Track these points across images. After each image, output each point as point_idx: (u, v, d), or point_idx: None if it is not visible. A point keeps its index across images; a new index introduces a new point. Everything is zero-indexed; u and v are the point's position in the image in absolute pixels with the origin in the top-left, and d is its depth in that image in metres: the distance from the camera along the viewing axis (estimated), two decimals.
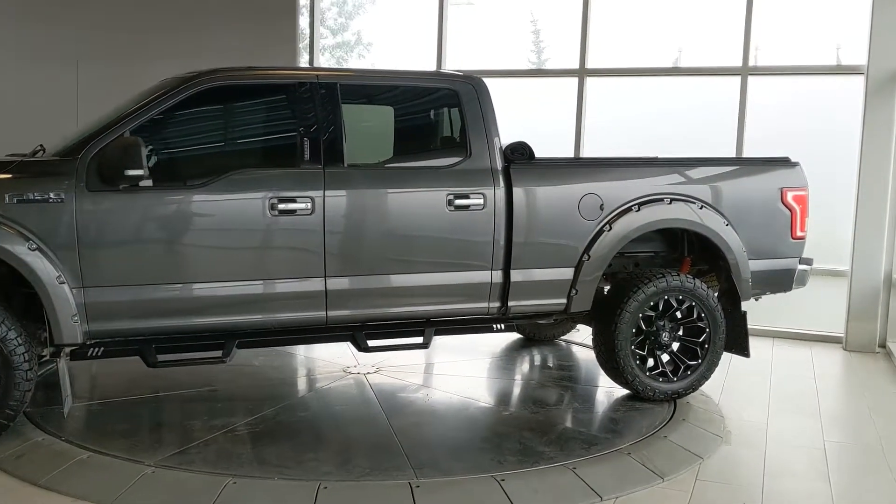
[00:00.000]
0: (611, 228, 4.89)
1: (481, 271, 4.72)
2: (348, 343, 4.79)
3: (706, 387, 5.27)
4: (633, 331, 4.97)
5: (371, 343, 4.66)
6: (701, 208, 5.03)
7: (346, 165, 4.50)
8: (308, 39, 8.56)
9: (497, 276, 4.75)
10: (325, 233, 4.38)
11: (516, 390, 5.41)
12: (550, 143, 7.87)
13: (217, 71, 4.42)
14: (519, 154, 4.86)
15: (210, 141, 4.59)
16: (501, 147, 4.82)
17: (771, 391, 5.55)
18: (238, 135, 4.66)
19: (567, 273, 4.87)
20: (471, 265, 4.70)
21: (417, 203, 4.60)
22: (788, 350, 6.85)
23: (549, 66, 8.43)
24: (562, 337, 6.72)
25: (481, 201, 4.67)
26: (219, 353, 4.41)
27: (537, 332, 6.59)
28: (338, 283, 4.43)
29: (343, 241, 4.46)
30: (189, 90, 4.32)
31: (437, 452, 4.11)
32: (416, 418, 4.64)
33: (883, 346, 6.96)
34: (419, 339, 4.75)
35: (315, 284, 4.40)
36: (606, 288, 5.26)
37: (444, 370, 5.81)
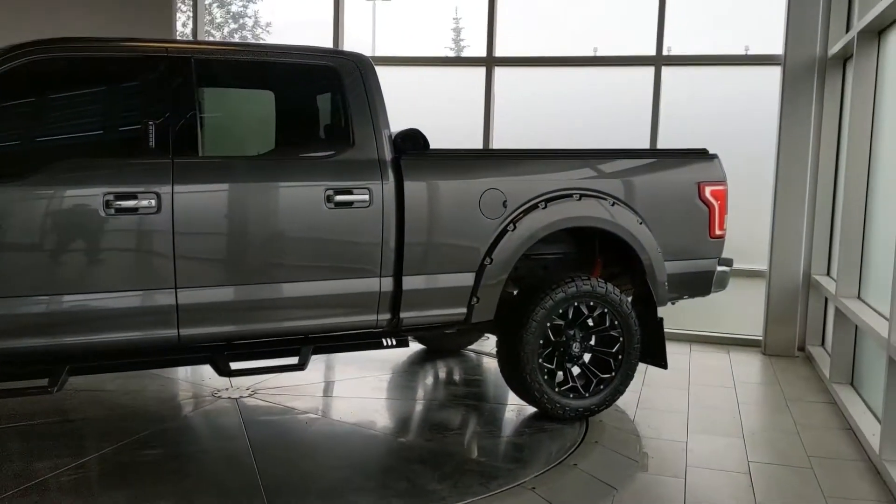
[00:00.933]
0: (515, 228, 4.34)
1: (368, 278, 4.09)
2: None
3: (621, 401, 4.78)
4: (541, 342, 4.43)
5: (235, 366, 3.96)
6: (613, 205, 4.54)
7: (201, 156, 3.80)
8: (192, 22, 7.75)
9: (386, 283, 4.12)
10: (175, 235, 3.66)
11: (414, 412, 4.80)
12: (462, 136, 7.34)
13: (41, 43, 3.65)
14: (411, 144, 4.25)
15: (31, 126, 3.79)
16: (391, 135, 4.20)
17: (690, 405, 5.11)
18: (66, 119, 3.88)
19: (467, 279, 4.29)
20: (355, 271, 4.06)
21: (289, 200, 3.94)
22: (706, 356, 6.47)
23: (466, 55, 7.87)
24: (469, 347, 6.15)
25: (366, 197, 4.04)
26: (44, 382, 3.64)
27: (441, 342, 6.00)
28: (191, 296, 3.72)
29: (197, 244, 3.75)
30: (6, 65, 3.55)
31: (305, 498, 3.45)
32: (289, 453, 3.97)
33: (802, 349, 6.67)
34: (294, 360, 4.09)
35: (163, 297, 3.68)
36: (512, 294, 4.72)
37: (334, 390, 5.15)
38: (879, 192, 5.17)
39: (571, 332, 4.51)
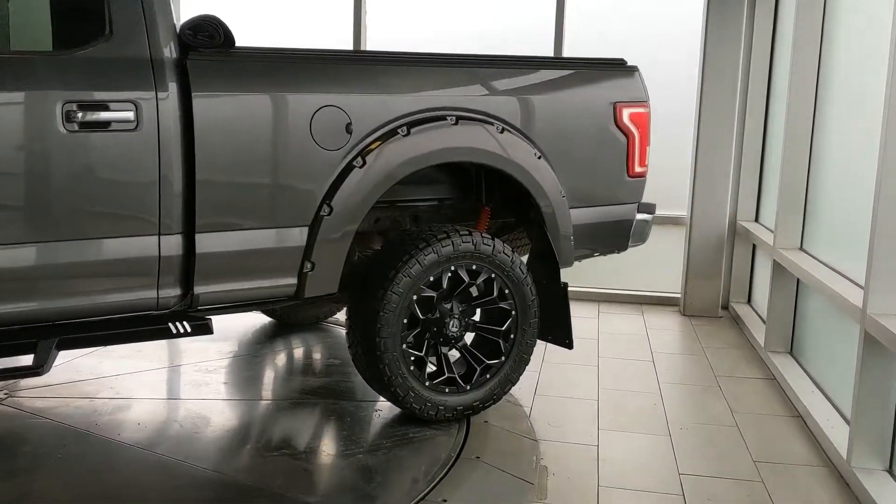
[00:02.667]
0: (365, 163, 3.07)
1: (140, 237, 2.76)
2: None
3: (515, 390, 3.67)
4: (405, 321, 3.23)
5: None
6: (502, 132, 3.33)
7: None
8: None
9: (170, 244, 2.80)
10: None
11: (238, 420, 3.52)
12: None
13: None
14: (206, 37, 2.89)
15: None
16: (174, 24, 2.84)
17: (600, 388, 4.05)
18: None
19: (296, 236, 3.02)
20: (119, 227, 2.73)
21: (3, 119, 2.55)
22: (617, 319, 5.45)
23: None
24: (329, 319, 4.90)
25: (131, 115, 2.68)
26: None
27: (290, 314, 4.73)
28: None
29: None
30: None
31: None
32: (24, 493, 2.64)
33: (726, 307, 5.74)
34: (29, 359, 2.74)
35: None
36: (365, 256, 3.49)
37: (133, 385, 3.80)
38: (832, 125, 4.15)
39: (447, 307, 3.32)
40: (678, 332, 5.24)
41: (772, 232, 4.70)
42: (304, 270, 3.04)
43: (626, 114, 3.63)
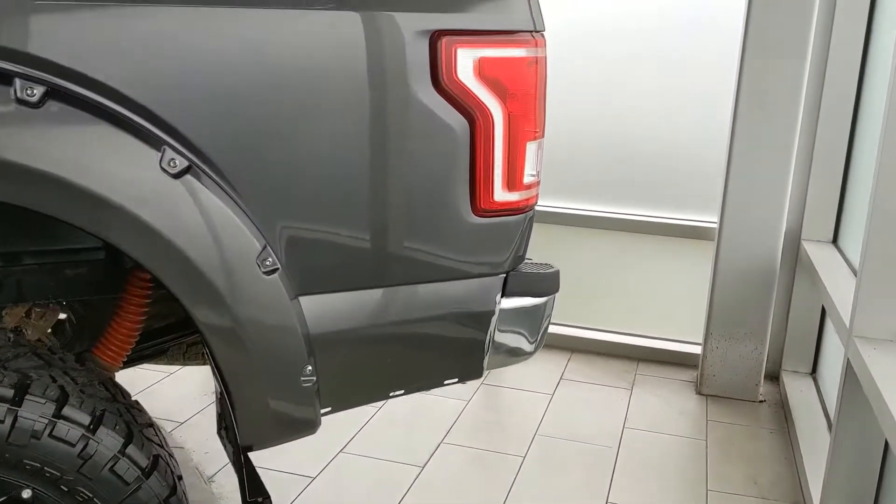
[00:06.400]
0: None
1: None
2: None
3: None
4: None
5: None
6: (47, 108, 1.25)
7: None
8: None
9: None
10: None
11: None
12: None
13: None
14: None
15: None
16: None
17: None
18: None
19: None
20: None
21: None
22: (583, 392, 3.31)
23: None
24: None
25: None
26: None
27: None
28: None
29: None
30: None
31: None
32: None
33: (774, 378, 3.50)
34: None
35: None
36: None
37: None
38: None
39: None
40: (682, 439, 3.07)
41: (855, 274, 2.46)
42: None
43: (468, 61, 1.47)
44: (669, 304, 3.81)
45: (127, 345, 1.59)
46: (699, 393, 3.42)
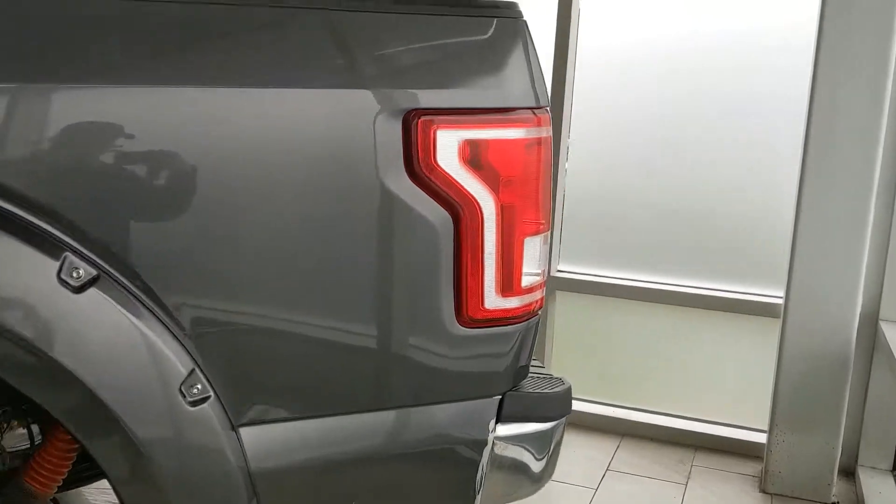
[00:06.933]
0: None
1: None
2: None
3: None
4: None
5: None
6: None
7: None
8: None
9: None
10: None
11: None
12: None
13: None
14: None
15: None
16: None
17: None
18: None
19: None
20: None
21: None
22: (633, 487, 2.96)
23: None
24: None
25: None
26: None
27: None
28: None
29: None
30: None
31: None
32: None
33: (850, 474, 3.08)
34: None
35: None
36: None
37: None
38: None
39: None
40: None
41: None
42: None
43: (451, 145, 1.23)
44: (731, 386, 3.44)
45: (61, 468, 1.37)
46: (763, 491, 3.03)
